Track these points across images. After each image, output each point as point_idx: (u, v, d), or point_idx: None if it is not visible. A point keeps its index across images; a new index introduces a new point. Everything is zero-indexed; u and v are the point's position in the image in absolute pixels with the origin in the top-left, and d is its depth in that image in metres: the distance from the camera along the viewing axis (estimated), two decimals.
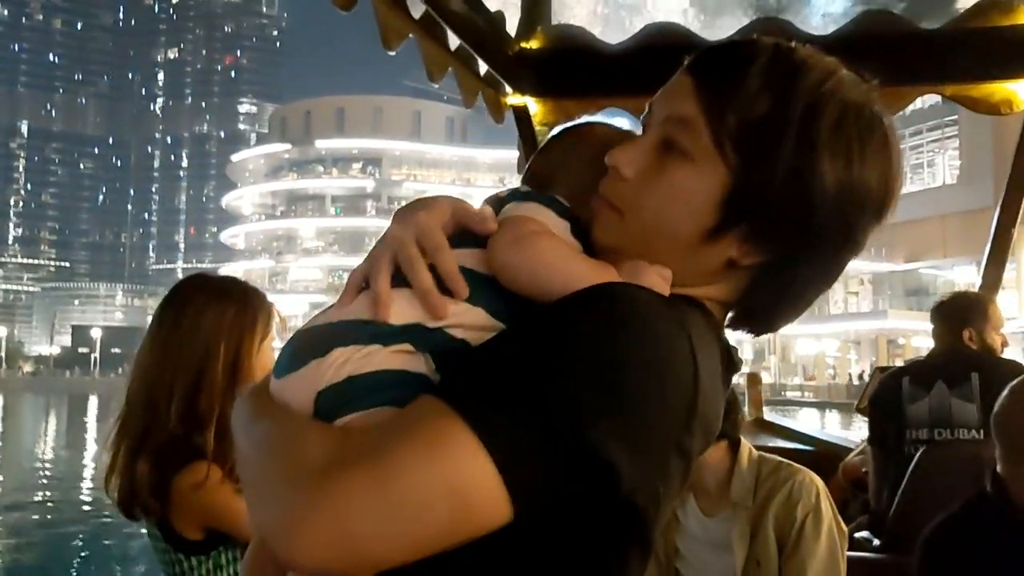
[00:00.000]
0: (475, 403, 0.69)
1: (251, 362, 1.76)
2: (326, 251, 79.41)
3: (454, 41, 3.00)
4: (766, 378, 55.15)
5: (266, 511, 0.71)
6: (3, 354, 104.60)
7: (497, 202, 0.89)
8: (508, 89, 3.46)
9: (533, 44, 3.42)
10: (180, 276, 2.06)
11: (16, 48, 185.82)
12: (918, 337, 40.78)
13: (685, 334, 0.75)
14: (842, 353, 50.19)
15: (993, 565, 1.87)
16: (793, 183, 0.79)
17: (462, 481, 0.67)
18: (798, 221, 0.81)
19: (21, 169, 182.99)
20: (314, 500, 0.66)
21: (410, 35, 2.76)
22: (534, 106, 3.48)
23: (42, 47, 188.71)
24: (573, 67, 3.43)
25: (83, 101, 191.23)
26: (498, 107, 3.49)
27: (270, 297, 1.91)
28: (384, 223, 0.90)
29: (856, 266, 49.68)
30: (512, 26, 3.38)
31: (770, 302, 0.88)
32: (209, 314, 1.75)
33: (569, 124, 1.01)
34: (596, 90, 3.39)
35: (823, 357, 51.64)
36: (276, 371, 0.83)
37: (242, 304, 1.79)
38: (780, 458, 2.29)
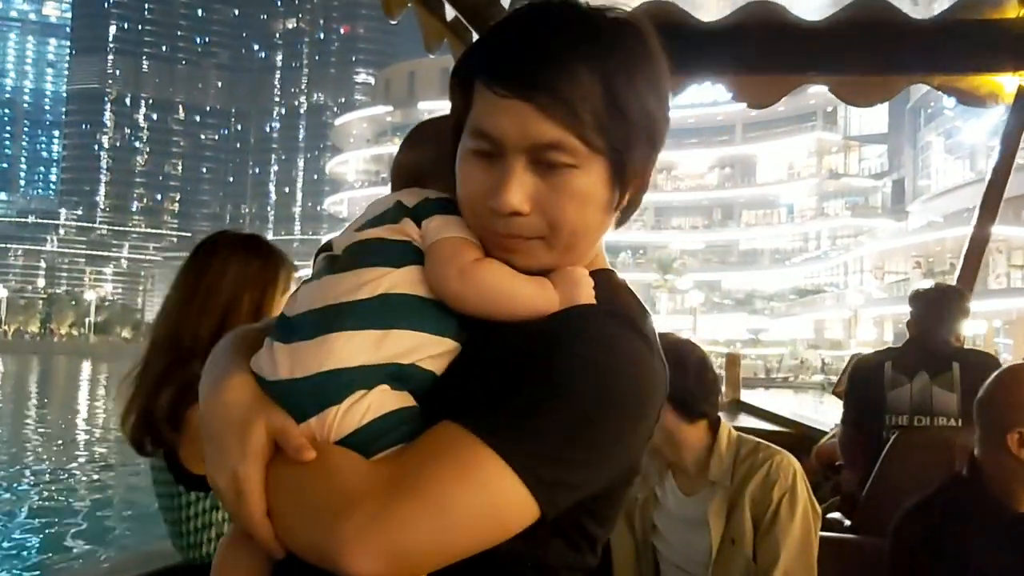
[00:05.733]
0: (498, 432, 0.80)
1: (272, 313, 1.82)
2: None
3: (450, 12, 3.07)
4: None
5: (315, 534, 0.79)
6: (92, 319, 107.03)
7: (401, 208, 0.93)
8: None
9: None
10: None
11: (140, 21, 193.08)
12: None
13: (648, 345, 0.90)
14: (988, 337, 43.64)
15: (965, 549, 1.92)
16: (646, 128, 0.90)
17: (498, 499, 0.79)
18: (654, 152, 0.93)
19: (145, 140, 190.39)
20: (367, 527, 0.76)
21: (409, 4, 2.87)
22: None
23: (165, 19, 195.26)
24: None
25: (204, 72, 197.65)
26: None
27: None
28: None
29: (1020, 234, 44.40)
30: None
31: (629, 217, 0.98)
32: (235, 265, 1.84)
33: (427, 119, 1.10)
34: None
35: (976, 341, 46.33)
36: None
37: (266, 258, 1.89)
38: (758, 439, 2.33)
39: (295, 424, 0.84)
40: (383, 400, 0.84)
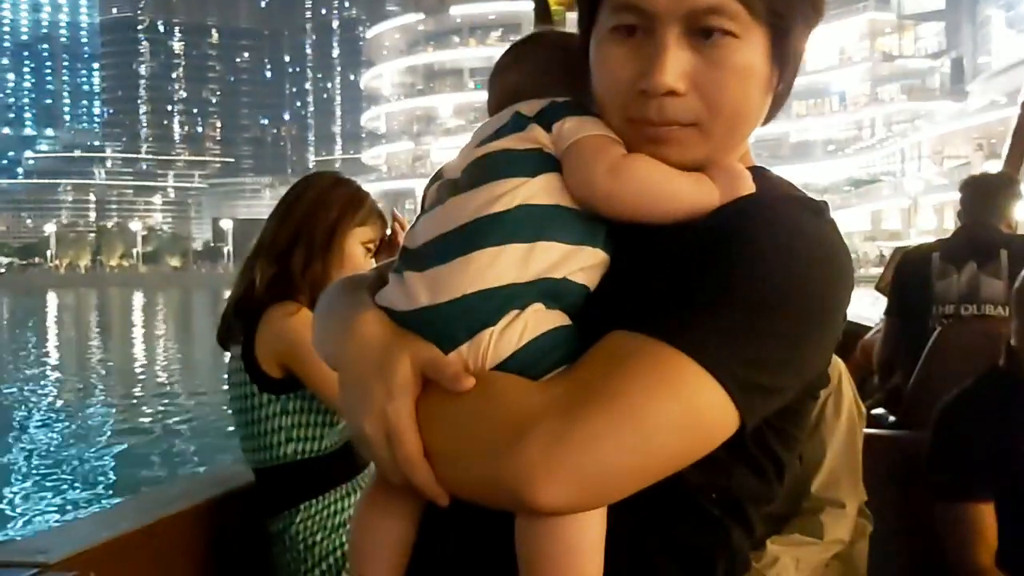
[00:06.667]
0: (685, 334, 0.71)
1: (343, 239, 2.04)
2: (466, 130, 78.34)
3: None
4: None
5: (488, 467, 0.71)
6: (141, 250, 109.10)
7: (522, 118, 0.85)
8: None
9: None
10: (339, 166, 2.40)
11: None
12: None
13: (835, 230, 0.80)
14: None
15: (1004, 439, 1.91)
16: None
17: (696, 404, 0.70)
18: (813, 25, 0.84)
19: (181, 67, 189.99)
20: (552, 448, 0.68)
21: None
22: None
23: None
24: None
25: None
26: None
27: (413, 182, 2.15)
28: None
29: None
30: None
31: (778, 110, 0.89)
32: (316, 189, 2.08)
33: (524, 36, 1.02)
34: None
35: None
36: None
37: (348, 192, 2.09)
38: None
39: (443, 353, 0.76)
40: (539, 319, 0.76)
